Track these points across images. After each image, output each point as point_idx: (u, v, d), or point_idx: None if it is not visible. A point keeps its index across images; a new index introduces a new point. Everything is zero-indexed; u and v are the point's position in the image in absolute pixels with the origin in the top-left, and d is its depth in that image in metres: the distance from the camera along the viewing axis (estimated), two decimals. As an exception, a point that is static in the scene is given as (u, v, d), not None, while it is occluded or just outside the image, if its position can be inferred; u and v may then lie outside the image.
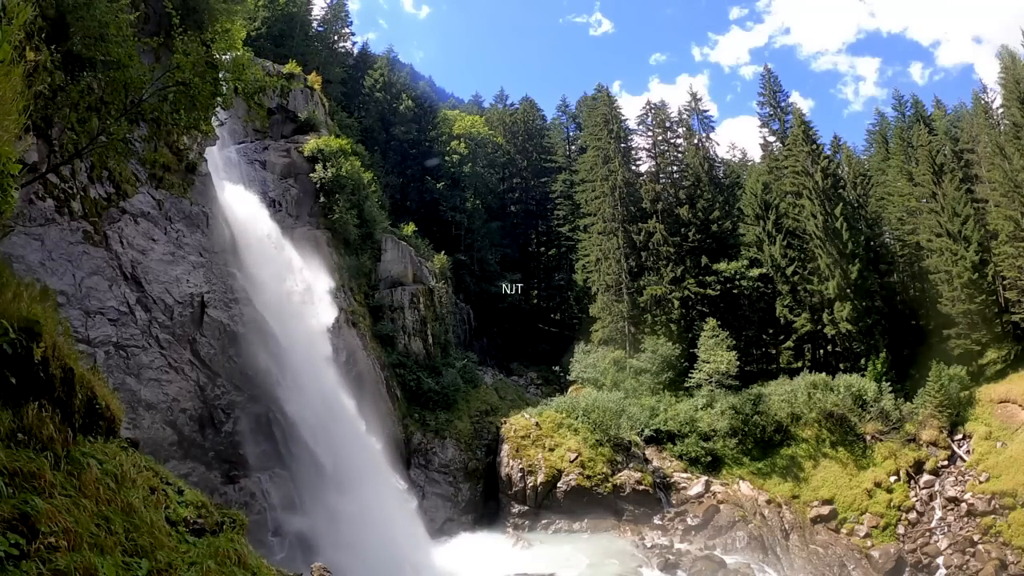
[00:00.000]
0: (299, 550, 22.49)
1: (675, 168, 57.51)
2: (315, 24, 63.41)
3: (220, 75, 9.37)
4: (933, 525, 33.94)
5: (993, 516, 32.29)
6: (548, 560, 29.15)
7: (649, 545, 32.54)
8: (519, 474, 36.29)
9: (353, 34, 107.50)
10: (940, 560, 32.14)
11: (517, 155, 74.15)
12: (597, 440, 37.51)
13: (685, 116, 60.61)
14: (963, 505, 33.71)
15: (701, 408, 40.99)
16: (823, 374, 42.13)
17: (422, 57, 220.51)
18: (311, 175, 38.51)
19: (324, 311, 32.11)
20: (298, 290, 30.81)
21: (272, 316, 26.51)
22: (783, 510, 35.87)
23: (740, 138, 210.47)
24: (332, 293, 34.38)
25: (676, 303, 49.27)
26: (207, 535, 6.51)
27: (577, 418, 38.98)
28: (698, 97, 61.15)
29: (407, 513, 31.05)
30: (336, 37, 66.26)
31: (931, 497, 35.30)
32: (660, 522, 34.89)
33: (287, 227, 34.27)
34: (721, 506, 35.74)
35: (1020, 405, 36.53)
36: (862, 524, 34.74)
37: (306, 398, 25.87)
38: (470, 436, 38.81)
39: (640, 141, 57.76)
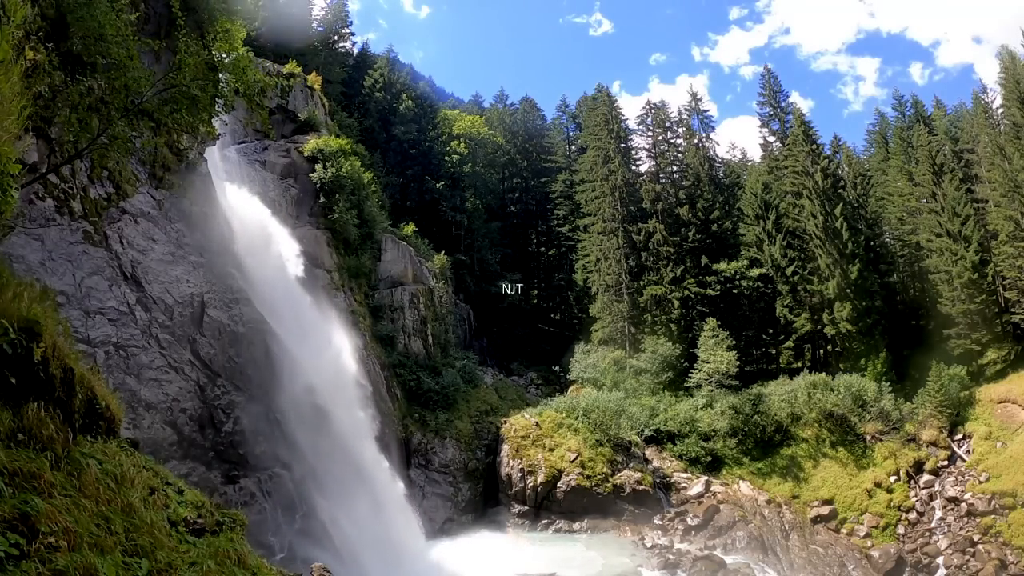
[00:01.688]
0: (299, 551, 22.50)
1: (675, 168, 57.53)
2: (315, 24, 63.37)
3: (220, 76, 9.37)
4: (933, 525, 33.94)
5: (993, 516, 32.29)
6: (548, 560, 29.12)
7: (649, 545, 32.54)
8: (519, 474, 36.29)
9: (353, 34, 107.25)
10: (940, 560, 32.14)
11: (517, 155, 74.10)
12: (597, 440, 37.50)
13: (685, 116, 60.68)
14: (963, 505, 33.71)
15: (701, 408, 41.00)
16: (823, 374, 42.13)
17: (422, 57, 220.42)
18: (311, 175, 38.49)
19: (362, 404, 31.08)
20: (332, 361, 29.63)
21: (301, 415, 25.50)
22: (783, 510, 35.86)
23: (740, 138, 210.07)
24: (360, 357, 33.46)
25: (676, 303, 49.27)
26: (207, 535, 6.52)
27: (577, 418, 38.97)
28: (698, 97, 61.26)
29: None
30: (336, 37, 66.17)
31: (931, 497, 35.29)
32: (660, 522, 34.88)
33: (287, 227, 34.22)
34: (721, 506, 35.73)
35: (1020, 405, 36.53)
36: (862, 524, 34.74)
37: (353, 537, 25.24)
38: (470, 436, 38.79)
39: (640, 141, 57.84)
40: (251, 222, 29.18)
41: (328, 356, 29.59)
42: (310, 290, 31.66)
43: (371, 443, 30.26)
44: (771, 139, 59.79)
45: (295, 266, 31.18)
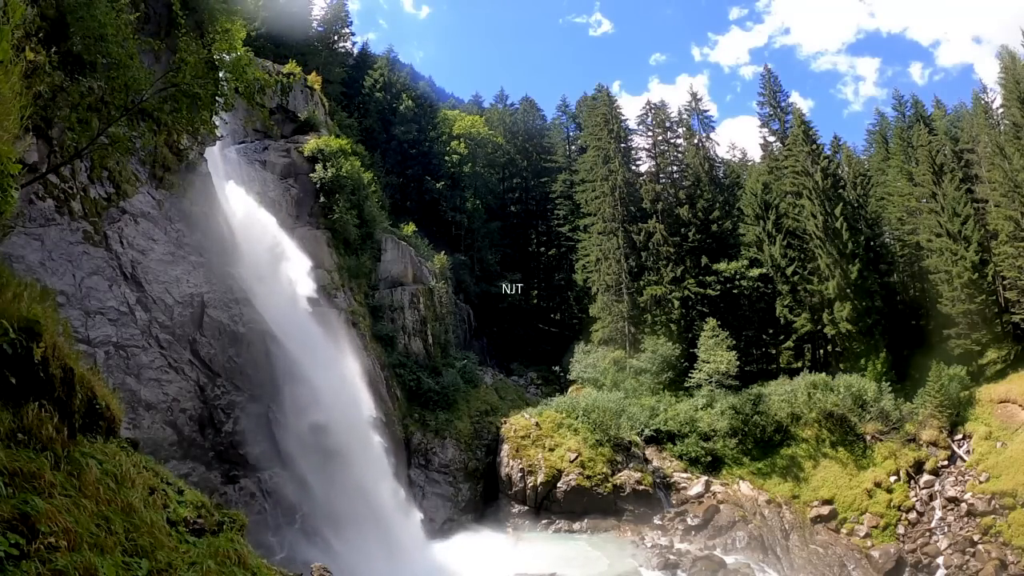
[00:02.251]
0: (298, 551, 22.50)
1: (675, 168, 57.52)
2: (315, 24, 63.36)
3: (220, 75, 9.36)
4: (933, 525, 33.94)
5: (993, 516, 32.29)
6: (548, 560, 29.12)
7: (649, 545, 32.54)
8: (519, 474, 36.28)
9: (353, 34, 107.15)
10: (940, 560, 32.14)
11: (517, 155, 74.11)
12: (597, 440, 37.50)
13: (685, 116, 60.68)
14: (963, 505, 33.71)
15: (701, 408, 40.99)
16: (823, 374, 42.13)
17: (422, 57, 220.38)
18: (311, 175, 38.50)
19: (379, 432, 30.97)
20: (349, 399, 29.44)
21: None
22: (783, 510, 35.86)
23: (740, 138, 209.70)
24: (371, 381, 33.35)
25: (676, 303, 49.27)
26: (207, 535, 6.51)
27: (577, 418, 38.96)
28: (698, 97, 61.29)
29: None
30: (336, 37, 66.17)
31: (931, 497, 35.29)
32: (660, 522, 34.88)
33: (287, 227, 34.23)
34: (721, 506, 35.73)
35: (1020, 405, 36.52)
36: (862, 524, 34.74)
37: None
38: (470, 436, 38.79)
39: (640, 141, 57.84)
40: (254, 228, 29.07)
41: (345, 393, 29.40)
42: (322, 320, 31.41)
43: (388, 480, 30.18)
44: (771, 139, 59.80)
45: (306, 287, 30.87)
